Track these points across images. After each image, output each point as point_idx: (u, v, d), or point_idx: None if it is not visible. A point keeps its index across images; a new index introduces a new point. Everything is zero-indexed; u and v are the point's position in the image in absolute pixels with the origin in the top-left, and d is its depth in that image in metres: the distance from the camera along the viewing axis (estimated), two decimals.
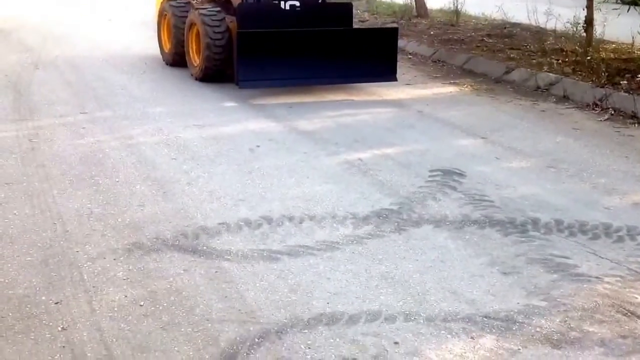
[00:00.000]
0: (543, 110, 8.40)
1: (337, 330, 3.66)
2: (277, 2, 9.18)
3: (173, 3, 10.38)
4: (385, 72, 9.08)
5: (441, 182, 5.84)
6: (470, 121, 7.84)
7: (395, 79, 9.16)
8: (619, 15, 10.50)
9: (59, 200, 5.33)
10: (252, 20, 8.82)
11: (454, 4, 14.45)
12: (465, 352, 3.49)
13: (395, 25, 13.98)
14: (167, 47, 10.64)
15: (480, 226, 4.99)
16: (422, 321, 3.76)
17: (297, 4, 9.21)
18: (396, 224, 5.01)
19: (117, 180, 5.78)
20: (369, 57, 8.94)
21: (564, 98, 8.90)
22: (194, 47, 9.67)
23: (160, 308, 3.86)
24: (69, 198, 5.38)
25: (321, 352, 3.46)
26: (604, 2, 10.62)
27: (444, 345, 3.55)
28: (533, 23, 12.86)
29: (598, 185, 5.88)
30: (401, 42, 11.45)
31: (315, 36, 8.85)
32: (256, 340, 3.56)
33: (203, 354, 3.45)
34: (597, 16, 10.64)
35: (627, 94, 8.38)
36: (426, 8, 15.30)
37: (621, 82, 8.78)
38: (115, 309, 3.84)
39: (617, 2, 10.64)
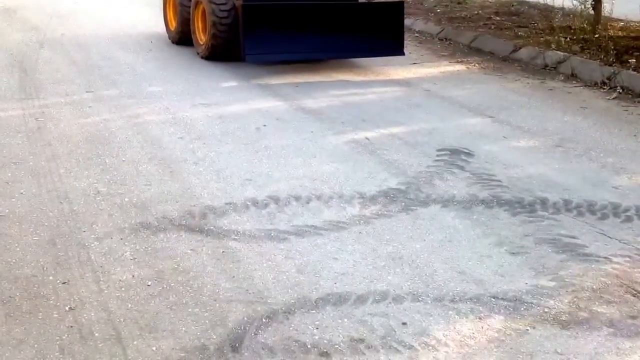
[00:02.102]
0: (551, 89, 8.35)
1: (345, 310, 3.66)
2: None
3: None
4: (393, 46, 9.03)
5: (449, 162, 5.82)
6: (477, 100, 7.79)
7: (402, 53, 9.10)
8: None
9: (65, 180, 5.33)
10: None
11: None
12: (473, 333, 3.48)
13: None
14: (173, 25, 10.58)
15: (488, 206, 4.97)
16: (430, 301, 3.76)
17: None
18: (403, 203, 5.00)
19: (123, 159, 5.77)
20: (376, 31, 8.89)
21: (572, 76, 8.84)
22: (200, 26, 9.61)
23: (168, 288, 3.86)
24: (75, 177, 5.38)
25: (329, 333, 3.46)
26: None
27: (452, 326, 3.54)
28: (541, 0, 12.76)
29: (606, 164, 5.85)
30: (408, 21, 11.38)
31: (321, 10, 8.79)
32: (264, 320, 3.56)
33: (211, 334, 3.45)
34: None
35: (635, 73, 8.31)
36: None
37: (630, 61, 8.71)
38: (123, 289, 3.84)
39: None
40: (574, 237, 4.51)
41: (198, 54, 9.64)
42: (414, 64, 9.60)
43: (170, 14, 10.71)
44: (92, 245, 4.32)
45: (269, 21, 8.43)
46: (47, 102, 7.44)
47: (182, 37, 10.27)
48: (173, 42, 10.57)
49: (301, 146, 6.15)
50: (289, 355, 3.30)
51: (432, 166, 5.73)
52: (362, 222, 4.70)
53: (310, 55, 8.91)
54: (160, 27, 11.20)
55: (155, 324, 3.53)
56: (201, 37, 9.60)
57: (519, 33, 10.83)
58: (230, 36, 9.04)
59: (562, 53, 9.41)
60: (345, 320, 3.57)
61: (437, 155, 5.97)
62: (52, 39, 10.95)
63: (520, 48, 10.02)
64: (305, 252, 4.27)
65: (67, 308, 3.65)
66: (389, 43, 9.01)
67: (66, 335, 3.43)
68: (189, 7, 9.84)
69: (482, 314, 3.65)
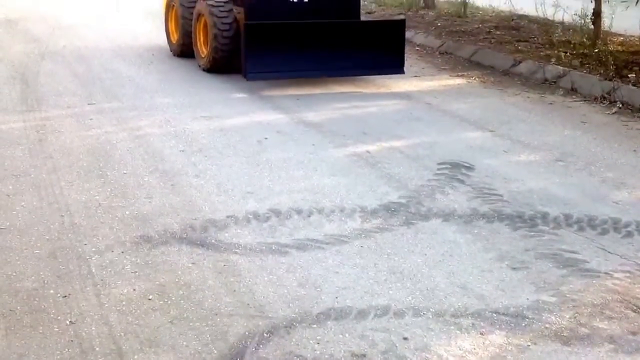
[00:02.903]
0: (551, 103, 8.37)
1: (346, 325, 3.66)
2: None
3: None
4: (393, 64, 9.05)
5: (450, 176, 5.83)
6: (478, 114, 7.81)
7: (402, 72, 9.13)
8: (627, 7, 10.47)
9: (66, 192, 5.33)
10: (260, 12, 8.80)
11: None
12: (474, 349, 3.48)
13: (402, 16, 13.95)
14: (175, 38, 10.62)
15: (489, 220, 4.98)
16: (431, 316, 3.76)
17: None
18: (405, 217, 5.00)
19: (124, 172, 5.78)
20: (377, 49, 8.91)
21: (572, 91, 8.86)
22: (202, 38, 9.65)
23: (169, 302, 3.85)
24: (76, 190, 5.38)
25: (330, 348, 3.45)
26: None
27: (453, 341, 3.54)
28: (541, 15, 12.82)
29: (606, 179, 5.86)
30: (408, 34, 11.42)
31: (323, 28, 8.82)
32: (265, 335, 3.55)
33: (211, 348, 3.44)
34: (605, 8, 10.60)
35: (635, 87, 8.34)
36: None
37: (629, 75, 8.74)
38: (124, 302, 3.84)
39: None
40: (574, 252, 4.51)
41: (199, 66, 9.67)
42: (415, 77, 9.62)
43: (172, 27, 10.75)
44: (93, 258, 4.32)
45: (271, 40, 8.46)
46: (48, 114, 7.46)
47: (183, 50, 10.31)
48: (174, 55, 10.61)
49: (302, 159, 6.16)
50: None
51: (433, 180, 5.73)
52: (363, 235, 4.70)
53: (312, 73, 8.93)
54: (162, 40, 11.24)
55: (156, 338, 3.52)
56: (203, 49, 9.63)
57: (519, 47, 10.87)
58: (232, 49, 9.08)
59: (562, 67, 9.44)
60: (347, 335, 3.57)
61: (438, 169, 5.98)
62: (53, 51, 10.98)
63: (520, 62, 10.05)
64: (307, 265, 4.27)
65: (67, 322, 3.65)
66: (390, 61, 9.03)
67: (67, 350, 3.42)
68: (191, 19, 9.88)
69: (483, 329, 3.65)
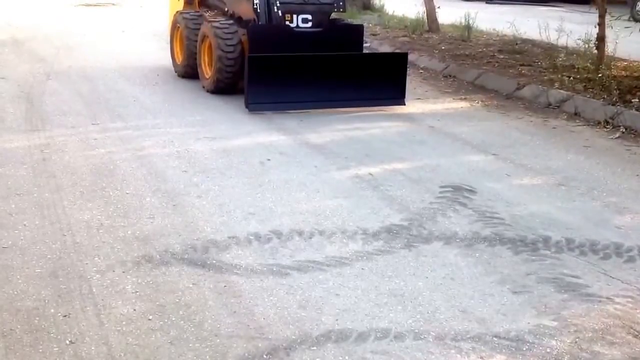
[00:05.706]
0: (554, 127, 8.38)
1: (346, 347, 3.65)
2: (288, 21, 9.14)
3: (186, 15, 10.41)
4: (394, 96, 9.06)
5: (451, 199, 5.83)
6: (481, 137, 7.82)
7: (403, 103, 9.10)
8: (631, 33, 10.50)
9: (69, 212, 5.34)
10: (263, 41, 8.83)
11: (465, 19, 14.45)
12: None
13: (407, 39, 14.02)
14: (180, 59, 10.66)
15: (491, 244, 4.97)
16: (431, 340, 3.75)
17: (310, 17, 9.21)
18: (406, 240, 5.00)
19: (127, 192, 5.79)
20: (379, 82, 8.91)
21: (575, 115, 8.88)
22: (206, 60, 9.69)
23: (169, 322, 3.85)
24: (79, 209, 5.39)
25: None
26: (616, 19, 10.61)
27: None
28: (544, 39, 12.87)
29: (609, 204, 5.86)
30: (412, 57, 11.45)
31: (326, 60, 8.84)
32: (264, 356, 3.55)
33: None
34: (609, 33, 10.62)
35: (638, 112, 8.35)
36: (438, 23, 15.29)
37: (632, 100, 8.75)
38: (124, 322, 3.84)
39: (629, 20, 10.63)
40: (576, 277, 4.51)
41: (203, 87, 9.70)
42: (418, 99, 9.65)
43: (177, 48, 10.79)
44: (94, 278, 4.32)
45: (273, 71, 8.47)
46: (52, 133, 7.47)
47: (188, 71, 10.34)
48: (179, 76, 10.63)
49: (304, 181, 6.17)
50: None
51: (435, 203, 5.74)
52: (364, 258, 4.70)
53: (314, 105, 8.88)
54: (167, 60, 11.27)
55: (156, 359, 3.52)
56: (207, 70, 9.67)
57: (523, 71, 10.90)
58: (236, 70, 9.11)
59: (565, 92, 9.46)
60: (347, 357, 3.56)
61: (440, 192, 5.98)
62: (58, 70, 11.01)
63: (523, 86, 10.07)
64: (307, 287, 4.27)
65: (67, 342, 3.64)
66: (391, 93, 9.06)
67: None
68: (196, 41, 9.92)
69: (483, 354, 3.64)
